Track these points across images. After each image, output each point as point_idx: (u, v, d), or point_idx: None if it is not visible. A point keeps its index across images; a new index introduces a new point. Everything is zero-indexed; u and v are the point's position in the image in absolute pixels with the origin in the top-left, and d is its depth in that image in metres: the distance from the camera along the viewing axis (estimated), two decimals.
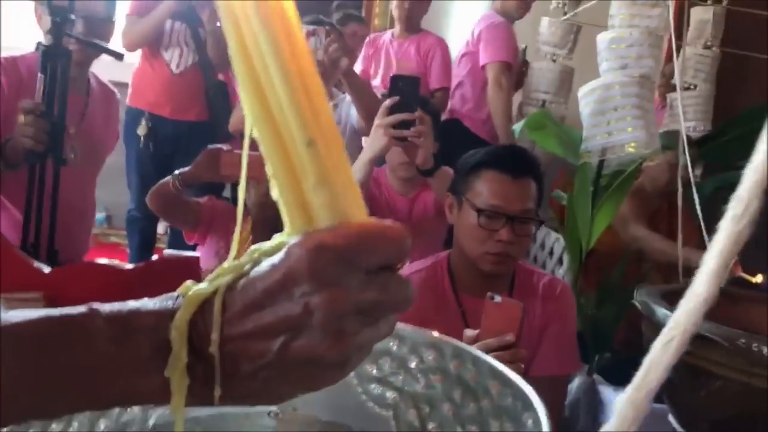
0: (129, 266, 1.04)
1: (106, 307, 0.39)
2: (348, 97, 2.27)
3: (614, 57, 1.96)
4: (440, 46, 2.94)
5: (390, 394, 0.59)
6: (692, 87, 2.86)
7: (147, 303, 0.39)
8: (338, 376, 0.38)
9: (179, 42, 2.65)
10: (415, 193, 1.98)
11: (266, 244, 0.40)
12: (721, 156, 2.88)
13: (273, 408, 0.62)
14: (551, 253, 2.53)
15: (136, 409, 0.58)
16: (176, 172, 1.74)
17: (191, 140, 2.62)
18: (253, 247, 0.41)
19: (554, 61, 2.48)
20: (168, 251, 1.07)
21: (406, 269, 1.46)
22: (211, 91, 2.69)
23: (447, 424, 0.55)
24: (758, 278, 2.23)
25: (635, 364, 0.37)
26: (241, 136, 0.41)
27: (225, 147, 1.71)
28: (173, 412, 0.38)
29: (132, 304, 0.39)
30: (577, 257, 2.08)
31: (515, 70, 2.84)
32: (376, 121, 1.60)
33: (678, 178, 2.15)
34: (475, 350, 0.53)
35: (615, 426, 0.35)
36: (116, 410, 0.57)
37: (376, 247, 0.37)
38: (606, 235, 2.15)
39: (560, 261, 2.43)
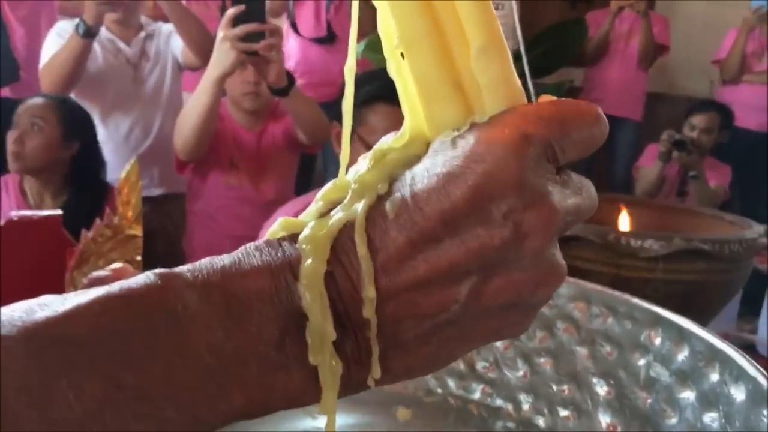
0: None
1: (185, 272, 0.25)
2: (165, 27, 2.00)
3: None
4: None
5: None
6: (500, 7, 2.95)
7: (238, 258, 0.25)
8: (532, 321, 0.28)
9: None
10: (261, 126, 1.81)
11: (385, 149, 0.28)
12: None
13: None
14: None
15: None
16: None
17: None
18: (366, 156, 0.28)
19: None
20: (17, 212, 0.84)
21: (281, 210, 1.34)
22: None
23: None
24: None
25: None
26: None
27: None
28: (324, 412, 0.25)
29: (217, 262, 0.25)
30: None
31: None
32: (220, 34, 1.41)
33: None
34: None
35: None
36: None
37: (577, 135, 0.26)
38: None
39: None
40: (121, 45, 1.94)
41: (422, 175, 0.25)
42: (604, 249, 1.34)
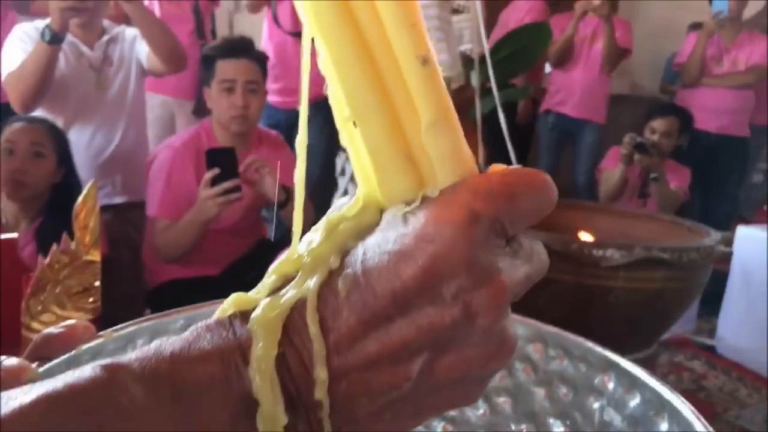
0: None
1: (133, 363, 0.24)
2: (129, 32, 1.96)
3: None
4: None
5: None
6: (465, 10, 2.96)
7: (188, 342, 0.25)
8: (484, 390, 0.29)
9: None
10: (247, 149, 1.79)
11: (337, 219, 0.28)
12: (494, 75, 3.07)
13: None
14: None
15: None
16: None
17: None
18: (319, 226, 0.28)
19: None
20: None
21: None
22: None
23: None
24: None
25: None
26: None
27: None
28: None
29: (166, 348, 0.25)
30: None
31: None
32: (202, 194, 1.59)
33: (477, 98, 2.23)
34: None
35: None
36: None
37: (526, 206, 0.26)
38: None
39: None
40: (84, 49, 1.90)
41: (374, 250, 0.25)
42: (566, 258, 1.37)
